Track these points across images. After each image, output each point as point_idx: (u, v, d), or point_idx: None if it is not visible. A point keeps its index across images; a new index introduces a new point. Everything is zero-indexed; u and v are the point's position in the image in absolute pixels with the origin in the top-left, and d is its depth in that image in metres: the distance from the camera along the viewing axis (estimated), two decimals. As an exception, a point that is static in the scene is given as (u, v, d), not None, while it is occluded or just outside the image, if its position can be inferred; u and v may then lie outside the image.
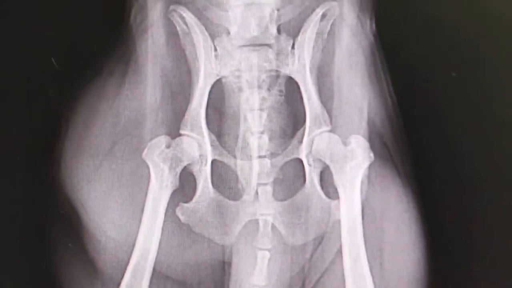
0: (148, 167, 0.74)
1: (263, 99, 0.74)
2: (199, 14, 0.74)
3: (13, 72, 0.75)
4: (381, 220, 0.74)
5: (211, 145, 0.74)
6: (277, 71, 0.74)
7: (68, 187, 0.74)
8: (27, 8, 0.75)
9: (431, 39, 0.75)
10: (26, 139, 0.75)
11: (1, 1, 0.75)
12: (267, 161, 0.74)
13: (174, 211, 0.74)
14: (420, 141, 0.75)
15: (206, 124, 0.74)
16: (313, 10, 0.74)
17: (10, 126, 0.75)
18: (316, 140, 0.74)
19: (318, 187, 0.74)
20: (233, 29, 0.74)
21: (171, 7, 0.74)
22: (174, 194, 0.74)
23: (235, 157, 0.74)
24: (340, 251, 0.73)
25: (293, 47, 0.74)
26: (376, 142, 0.74)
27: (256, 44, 0.74)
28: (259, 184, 0.74)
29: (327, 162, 0.74)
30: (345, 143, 0.74)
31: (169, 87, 0.75)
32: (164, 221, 0.73)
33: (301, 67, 0.74)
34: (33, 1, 0.75)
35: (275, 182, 0.74)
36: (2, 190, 0.75)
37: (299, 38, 0.74)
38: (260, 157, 0.74)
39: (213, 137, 0.74)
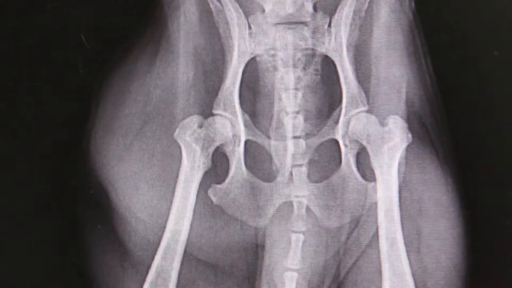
0: (179, 147, 0.72)
1: (298, 78, 0.72)
2: (233, -9, 0.72)
3: (43, 50, 0.73)
4: (419, 203, 0.72)
5: (245, 125, 0.72)
6: (313, 49, 0.72)
7: (98, 167, 0.73)
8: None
9: (473, 17, 0.73)
10: (56, 118, 0.73)
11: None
12: (302, 141, 0.72)
13: (206, 192, 0.72)
14: (460, 122, 0.73)
15: (240, 103, 0.72)
16: (351, -14, 0.72)
17: (40, 106, 0.73)
18: (352, 121, 0.72)
19: (354, 169, 0.72)
20: (268, 7, 0.72)
21: (204, -17, 0.73)
22: (206, 175, 0.72)
23: (269, 137, 0.72)
24: (376, 235, 0.71)
25: (329, 25, 0.72)
26: (415, 123, 0.72)
27: (292, 22, 0.72)
28: (293, 165, 0.72)
29: (364, 143, 0.72)
30: (382, 124, 0.72)
31: (201, 65, 0.73)
32: (196, 203, 0.72)
33: (337, 45, 0.72)
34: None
35: (310, 163, 0.72)
36: (32, 170, 0.73)
37: (335, 16, 0.72)
38: (294, 137, 0.72)
39: (247, 117, 0.72)
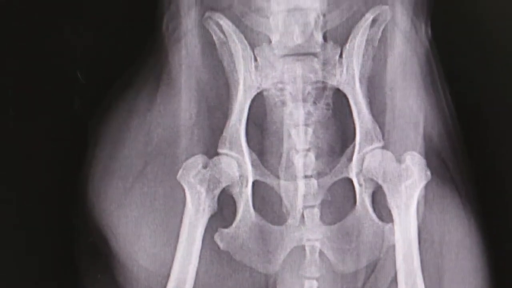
0: (183, 190, 0.68)
1: (308, 113, 0.68)
2: (238, 21, 0.68)
3: (38, 86, 0.69)
4: (440, 245, 0.68)
5: (252, 165, 0.68)
6: (323, 82, 0.68)
7: (97, 213, 0.68)
8: (53, 18, 0.69)
9: (493, 45, 0.69)
10: (51, 159, 0.69)
11: (27, 12, 0.69)
12: (313, 181, 0.68)
13: (213, 237, 0.68)
14: (482, 158, 0.68)
15: (246, 141, 0.68)
16: (363, 15, 0.68)
17: (35, 146, 0.69)
18: (367, 158, 0.67)
19: (370, 209, 0.68)
20: (274, 37, 0.68)
21: (207, 14, 0.68)
22: (212, 218, 0.68)
23: (278, 177, 0.68)
24: (395, 280, 0.67)
25: (340, 56, 0.68)
26: (434, 159, 0.68)
27: (300, 53, 0.68)
28: (305, 207, 0.68)
29: (380, 181, 0.67)
30: (399, 161, 0.68)
31: (205, 101, 0.68)
32: (202, 249, 0.68)
33: (350, 78, 0.68)
34: (60, 10, 0.69)
35: (323, 204, 0.68)
36: (27, 215, 0.69)
37: (347, 46, 0.68)
38: (306, 177, 0.68)
39: (254, 156, 0.68)
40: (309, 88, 0.68)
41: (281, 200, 0.68)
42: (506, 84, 0.69)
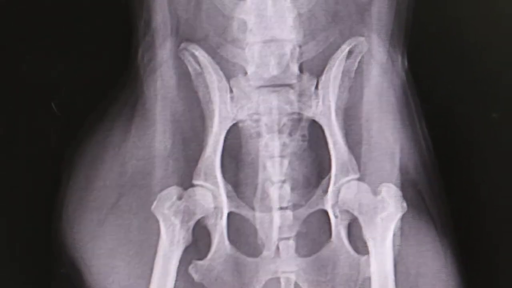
0: (158, 221, 0.67)
1: (284, 145, 0.67)
2: (213, 53, 0.68)
3: (11, 118, 0.69)
4: (416, 277, 0.67)
5: (227, 196, 0.67)
6: (299, 114, 0.68)
7: (70, 244, 0.68)
8: (28, 48, 0.69)
9: (470, 77, 0.68)
10: (25, 191, 0.69)
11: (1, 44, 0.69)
12: (289, 213, 0.67)
13: (187, 269, 0.67)
14: (458, 190, 0.68)
15: (222, 173, 0.67)
16: (339, 46, 0.68)
17: (8, 177, 0.69)
18: (343, 190, 0.67)
19: (346, 241, 0.67)
20: (250, 69, 0.67)
21: (182, 45, 0.68)
22: (186, 250, 0.67)
23: (253, 209, 0.68)
24: (371, 312, 0.67)
25: (316, 87, 0.68)
26: (410, 191, 0.68)
27: (276, 85, 0.67)
28: (280, 239, 0.67)
29: (355, 213, 0.67)
30: (375, 193, 0.67)
31: (180, 133, 0.68)
32: (176, 281, 0.67)
33: (325, 109, 0.67)
34: (35, 41, 0.69)
35: (298, 236, 0.67)
36: (0, 247, 0.69)
37: (323, 77, 0.68)
38: (281, 208, 0.67)
39: (229, 188, 0.67)
40: (284, 119, 0.68)
41: (256, 232, 0.68)
42: (483, 116, 0.69)
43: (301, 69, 0.68)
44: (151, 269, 0.67)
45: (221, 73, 0.68)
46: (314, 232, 0.68)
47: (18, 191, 0.69)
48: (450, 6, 0.69)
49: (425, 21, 0.68)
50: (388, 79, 0.68)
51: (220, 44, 0.68)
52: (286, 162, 0.68)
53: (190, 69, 0.68)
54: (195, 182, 0.68)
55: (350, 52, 0.68)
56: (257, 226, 0.68)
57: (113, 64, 0.68)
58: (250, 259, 0.68)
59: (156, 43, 0.68)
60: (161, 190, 0.68)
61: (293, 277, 0.68)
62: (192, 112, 0.68)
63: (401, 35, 0.68)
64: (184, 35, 0.68)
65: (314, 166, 0.68)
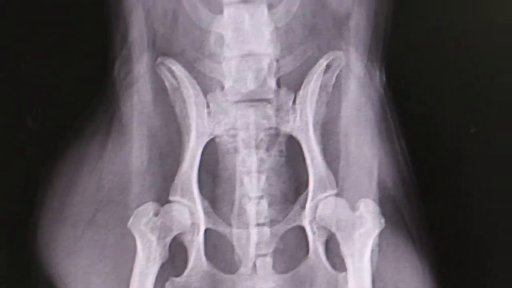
0: (134, 238, 0.67)
1: (261, 160, 0.67)
2: (190, 67, 0.67)
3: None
4: (394, 294, 0.67)
5: (204, 213, 0.67)
6: (276, 129, 0.67)
7: (46, 261, 0.67)
8: (3, 63, 0.68)
9: (448, 92, 0.68)
10: (1, 206, 0.68)
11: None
12: (266, 229, 0.67)
13: (164, 286, 0.67)
14: (437, 205, 0.67)
15: (198, 189, 0.67)
16: (316, 60, 0.67)
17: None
18: (320, 205, 0.67)
19: (323, 258, 0.67)
20: (227, 83, 0.67)
21: (159, 59, 0.67)
22: (163, 267, 0.67)
23: (230, 225, 0.67)
24: (348, 329, 0.66)
25: (294, 102, 0.67)
26: (388, 206, 0.67)
27: (253, 100, 0.67)
28: (257, 255, 0.67)
29: (333, 229, 0.67)
30: (353, 208, 0.67)
31: (157, 148, 0.67)
32: (153, 297, 0.66)
33: (303, 124, 0.67)
34: (11, 55, 0.68)
35: (276, 252, 0.67)
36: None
37: (301, 92, 0.67)
38: (258, 225, 0.67)
39: (206, 204, 0.67)
40: (262, 134, 0.67)
41: (233, 248, 0.67)
42: (461, 130, 0.68)
43: (278, 84, 0.67)
44: (128, 286, 0.67)
45: (198, 87, 0.67)
46: (291, 249, 0.67)
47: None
48: (428, 20, 0.68)
49: (404, 35, 0.68)
50: (366, 93, 0.67)
51: (197, 59, 0.67)
52: (263, 177, 0.67)
53: (167, 83, 0.68)
54: (172, 198, 0.67)
55: (328, 67, 0.67)
56: (234, 243, 0.67)
57: (89, 79, 0.68)
58: (227, 276, 0.67)
59: (133, 57, 0.68)
60: (138, 206, 0.67)
61: (270, 293, 0.67)
62: (169, 127, 0.68)
63: (379, 50, 0.68)
64: (161, 49, 0.68)
65: (292, 181, 0.67)
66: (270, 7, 0.67)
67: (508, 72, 0.68)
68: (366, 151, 0.67)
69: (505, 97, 0.68)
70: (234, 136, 0.67)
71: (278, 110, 0.67)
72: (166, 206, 0.67)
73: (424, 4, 0.68)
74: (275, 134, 0.67)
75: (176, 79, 0.67)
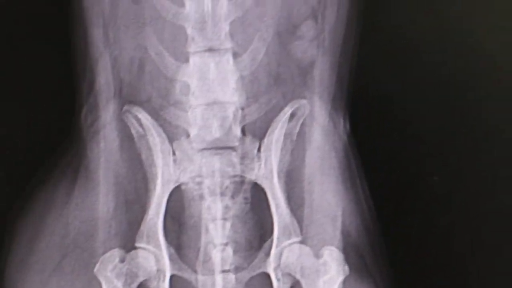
0: (100, 284, 0.67)
1: (226, 207, 0.67)
2: (156, 115, 0.68)
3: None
4: None
5: (170, 259, 0.67)
6: (241, 176, 0.68)
7: (13, 307, 0.68)
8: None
9: (411, 139, 0.68)
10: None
11: None
12: (231, 276, 0.67)
13: (129, 332, 0.67)
14: (401, 253, 0.68)
15: (164, 235, 0.67)
16: (281, 109, 0.68)
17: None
18: (285, 253, 0.67)
19: (288, 304, 0.67)
20: (193, 131, 0.67)
21: (125, 107, 0.68)
22: (129, 313, 0.67)
23: (196, 272, 0.68)
24: None
25: (259, 150, 0.68)
26: (352, 254, 0.68)
27: (219, 147, 0.67)
28: (222, 302, 0.67)
29: (298, 276, 0.67)
30: (317, 256, 0.67)
31: (123, 195, 0.68)
32: None
33: (268, 172, 0.67)
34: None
35: (241, 299, 0.68)
36: None
37: (265, 140, 0.68)
38: (223, 271, 0.67)
39: (172, 250, 0.68)
40: (227, 182, 0.68)
41: (198, 294, 0.68)
42: (425, 178, 0.69)
43: (243, 132, 0.68)
44: (94, 332, 0.67)
45: (164, 135, 0.68)
46: (256, 295, 0.68)
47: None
48: (392, 69, 0.69)
49: (367, 84, 0.68)
50: (330, 141, 0.68)
51: (163, 107, 0.68)
52: (228, 224, 0.68)
53: (133, 131, 0.68)
54: (137, 244, 0.68)
55: (292, 115, 0.68)
56: (200, 289, 0.68)
57: (57, 125, 0.68)
58: (192, 322, 0.68)
59: (99, 104, 0.68)
60: (104, 252, 0.68)
61: None
62: (135, 174, 0.68)
63: (343, 98, 0.68)
64: (127, 97, 0.68)
65: (257, 228, 0.68)
66: (236, 55, 0.67)
67: (470, 122, 0.68)
68: (330, 199, 0.68)
69: (467, 146, 0.68)
70: (200, 183, 0.68)
71: (243, 157, 0.68)
72: (132, 252, 0.68)
73: (387, 53, 0.68)
74: (240, 181, 0.68)
75: (142, 126, 0.68)
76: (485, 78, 0.68)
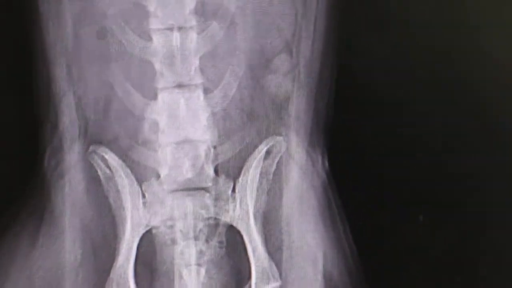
0: (67, 337, 0.63)
1: (200, 252, 0.64)
2: (124, 156, 0.64)
3: None
4: None
5: (142, 308, 0.64)
6: (216, 219, 0.64)
7: None
8: None
9: (393, 179, 0.65)
10: None
11: None
12: (207, 325, 0.64)
13: None
14: (385, 296, 0.65)
15: (135, 283, 0.64)
16: (256, 146, 0.64)
17: None
18: (264, 299, 0.64)
19: None
20: (163, 172, 0.64)
21: (91, 147, 0.64)
22: None
23: (169, 321, 0.64)
24: None
25: (233, 190, 0.64)
26: (334, 298, 0.64)
27: (191, 188, 0.64)
28: None
29: (277, 323, 0.64)
30: (298, 301, 0.64)
31: (90, 241, 0.64)
32: None
33: (243, 213, 0.64)
34: None
35: None
36: None
37: (240, 179, 0.64)
38: (199, 320, 0.64)
39: (143, 299, 0.64)
40: (200, 225, 0.64)
41: None
42: (408, 219, 0.66)
43: (216, 171, 0.64)
44: None
45: (132, 176, 0.64)
46: None
47: None
48: (370, 104, 0.66)
49: (345, 120, 0.65)
50: (308, 180, 0.65)
51: (131, 146, 0.64)
52: (203, 270, 0.64)
53: (100, 173, 0.65)
54: (107, 293, 0.64)
55: (267, 153, 0.64)
56: (173, 339, 0.64)
57: (18, 171, 0.65)
58: None
59: (63, 146, 0.65)
60: (71, 303, 0.64)
61: None
62: (103, 219, 0.65)
63: (320, 134, 0.65)
64: (93, 137, 0.65)
65: (233, 274, 0.64)
66: (206, 91, 0.64)
67: (454, 159, 0.65)
68: (310, 240, 0.64)
69: (452, 184, 0.65)
70: (172, 227, 0.64)
71: (216, 199, 0.64)
72: (101, 302, 0.64)
73: (366, 87, 0.65)
74: (215, 224, 0.64)
75: (109, 168, 0.64)
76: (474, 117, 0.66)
